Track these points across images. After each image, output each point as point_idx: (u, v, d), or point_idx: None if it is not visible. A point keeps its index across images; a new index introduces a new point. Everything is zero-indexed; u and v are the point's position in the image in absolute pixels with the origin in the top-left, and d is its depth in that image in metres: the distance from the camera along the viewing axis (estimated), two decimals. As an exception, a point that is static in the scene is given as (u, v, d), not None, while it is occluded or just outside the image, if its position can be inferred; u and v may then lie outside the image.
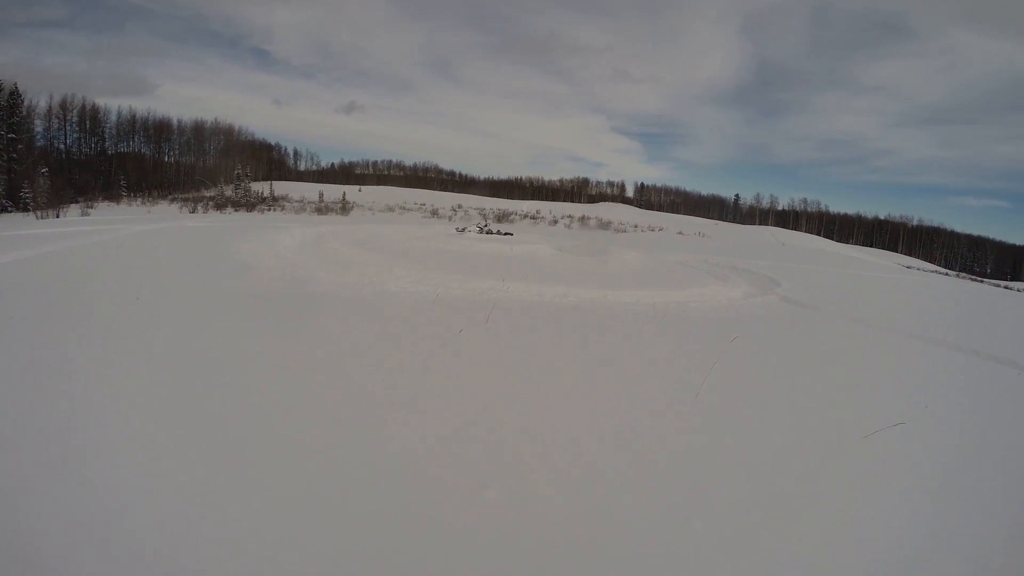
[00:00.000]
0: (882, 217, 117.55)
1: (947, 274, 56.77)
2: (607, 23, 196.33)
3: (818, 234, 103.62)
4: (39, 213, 31.52)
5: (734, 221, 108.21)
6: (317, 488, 2.90)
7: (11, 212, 37.76)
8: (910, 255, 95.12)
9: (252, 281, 8.73)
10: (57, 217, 29.74)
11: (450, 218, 52.32)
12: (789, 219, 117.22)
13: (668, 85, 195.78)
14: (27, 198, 38.69)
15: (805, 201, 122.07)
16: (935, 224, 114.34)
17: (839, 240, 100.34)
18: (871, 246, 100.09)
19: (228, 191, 62.17)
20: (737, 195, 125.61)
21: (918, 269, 60.08)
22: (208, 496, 2.75)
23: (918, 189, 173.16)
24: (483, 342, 6.09)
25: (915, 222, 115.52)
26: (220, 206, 48.96)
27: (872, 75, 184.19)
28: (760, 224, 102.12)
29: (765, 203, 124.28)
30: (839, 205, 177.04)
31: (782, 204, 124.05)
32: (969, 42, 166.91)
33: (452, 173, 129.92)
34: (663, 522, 2.86)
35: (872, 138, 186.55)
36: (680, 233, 57.06)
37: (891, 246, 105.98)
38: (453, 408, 4.10)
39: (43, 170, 42.94)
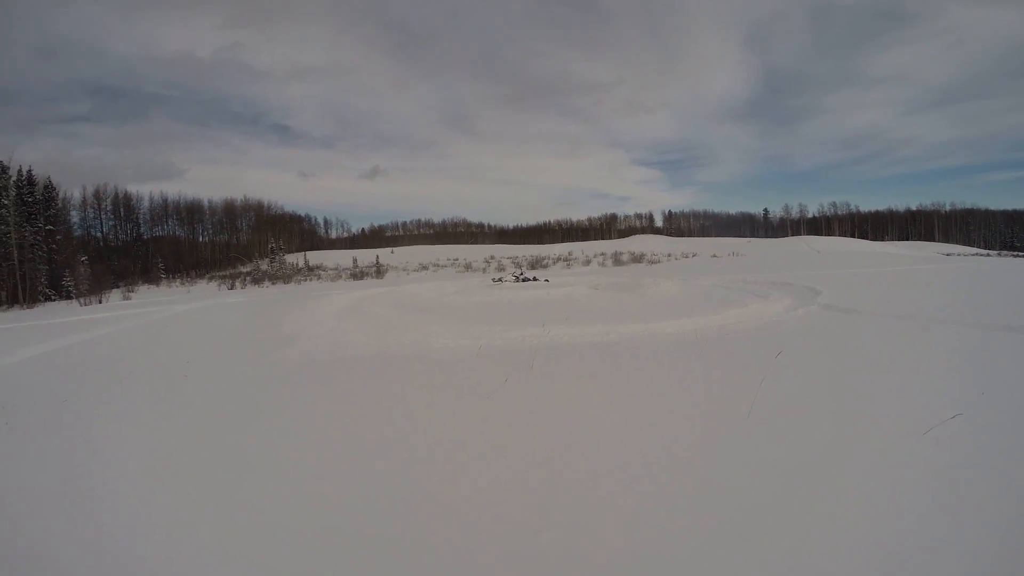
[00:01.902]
0: (914, 208, 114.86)
1: (988, 254, 54.81)
2: (614, 57, 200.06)
3: (852, 236, 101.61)
4: (82, 300, 32.74)
5: (766, 236, 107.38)
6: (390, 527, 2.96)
7: (55, 300, 39.52)
8: (948, 242, 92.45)
9: (295, 351, 8.90)
10: (100, 303, 30.85)
11: (484, 270, 52.64)
12: (821, 225, 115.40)
13: (681, 109, 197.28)
14: (69, 286, 40.42)
15: (834, 204, 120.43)
16: (968, 206, 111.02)
17: (874, 238, 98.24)
18: (907, 239, 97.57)
19: (264, 265, 63.94)
20: (766, 209, 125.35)
21: (958, 255, 58.20)
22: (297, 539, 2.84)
23: (945, 173, 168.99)
24: (530, 388, 6.05)
25: (947, 207, 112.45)
26: (257, 280, 50.27)
27: (880, 66, 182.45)
28: (792, 235, 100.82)
29: (795, 213, 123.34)
30: (869, 203, 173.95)
31: (811, 211, 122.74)
32: (970, 16, 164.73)
33: (481, 225, 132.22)
34: (723, 543, 2.80)
35: (890, 129, 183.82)
36: (714, 256, 56.42)
37: (927, 236, 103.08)
38: (505, 459, 4.09)
39: (83, 258, 45.09)
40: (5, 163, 42.23)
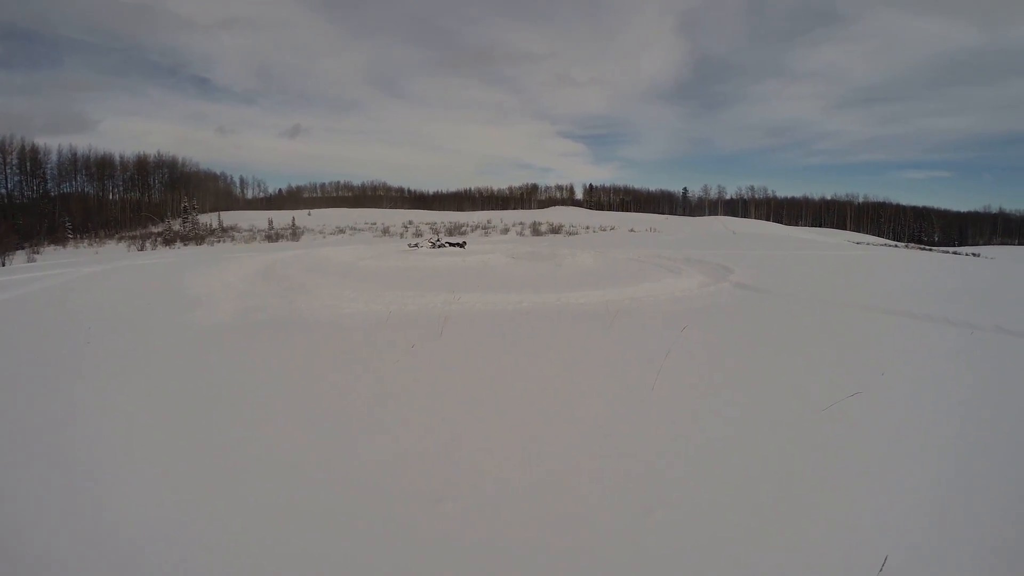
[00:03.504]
0: (828, 197, 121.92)
1: (895, 246, 58.85)
2: (547, 29, 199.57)
3: (767, 219, 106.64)
4: None
5: (684, 214, 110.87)
6: (294, 495, 3.01)
7: None
8: (859, 231, 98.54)
9: (203, 314, 8.50)
10: (3, 265, 28.78)
11: (402, 235, 52.22)
12: (738, 207, 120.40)
13: (610, 87, 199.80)
14: None
15: (752, 188, 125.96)
16: (880, 199, 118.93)
17: (788, 223, 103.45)
18: (820, 226, 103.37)
19: (176, 225, 60.67)
20: (685, 188, 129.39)
21: (867, 244, 62.25)
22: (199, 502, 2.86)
23: (862, 167, 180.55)
24: (437, 355, 6.06)
25: (861, 199, 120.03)
26: (169, 241, 47.93)
27: (808, 62, 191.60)
28: (710, 215, 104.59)
29: (713, 194, 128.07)
30: (786, 189, 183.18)
31: (730, 194, 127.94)
32: (898, 22, 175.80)
33: (401, 190, 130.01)
34: (625, 516, 2.89)
35: (813, 122, 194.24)
36: (632, 231, 57.84)
37: (840, 224, 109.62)
38: (408, 425, 4.07)
39: None
40: None
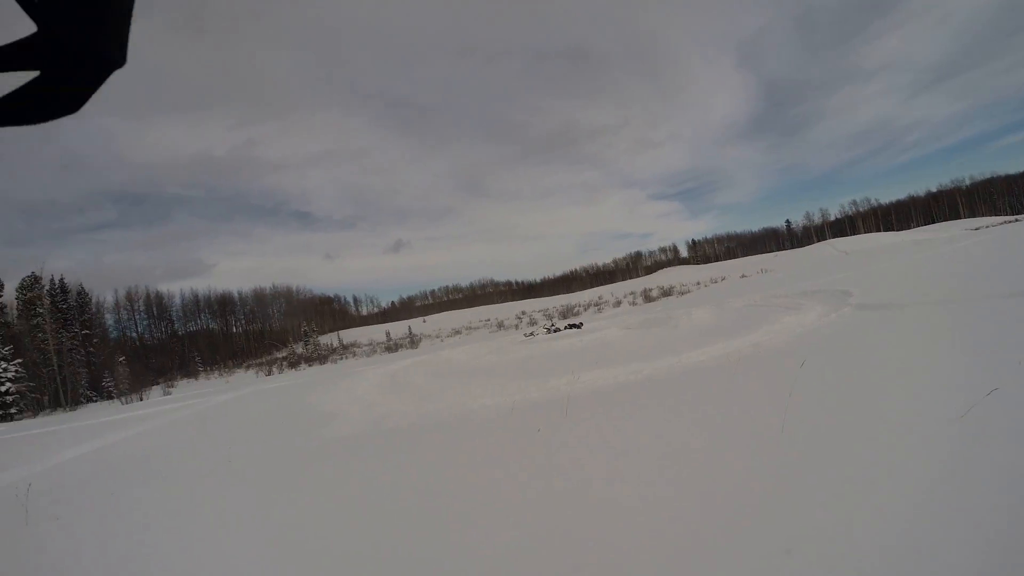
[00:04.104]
0: (934, 190, 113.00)
1: (1017, 219, 53.09)
2: (614, 100, 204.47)
3: (878, 230, 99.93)
4: (123, 399, 33.50)
5: (792, 247, 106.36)
6: None
7: (97, 401, 40.55)
8: (974, 216, 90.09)
9: (338, 426, 8.98)
10: (141, 400, 31.41)
11: (516, 327, 52.45)
12: (845, 226, 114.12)
13: (688, 139, 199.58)
14: (109, 387, 41.54)
15: (855, 203, 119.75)
16: (987, 176, 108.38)
17: (900, 228, 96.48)
18: (933, 222, 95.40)
19: (299, 349, 64.85)
20: (788, 221, 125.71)
21: (986, 227, 56.71)
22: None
23: (957, 148, 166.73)
24: (564, 434, 6.03)
25: (967, 182, 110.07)
26: (294, 364, 50.76)
27: (872, 57, 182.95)
28: (818, 241, 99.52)
29: (817, 219, 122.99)
30: (889, 194, 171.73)
31: (833, 214, 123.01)
32: None
33: (509, 283, 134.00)
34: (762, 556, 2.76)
35: (895, 117, 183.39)
36: (743, 276, 55.91)
37: (953, 214, 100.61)
38: (541, 506, 4.06)
39: (121, 359, 46.33)
40: (37, 274, 44.45)
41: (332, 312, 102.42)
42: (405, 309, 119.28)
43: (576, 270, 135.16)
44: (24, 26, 0.43)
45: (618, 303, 57.62)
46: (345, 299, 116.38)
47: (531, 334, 26.32)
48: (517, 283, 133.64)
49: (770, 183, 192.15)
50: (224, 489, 6.14)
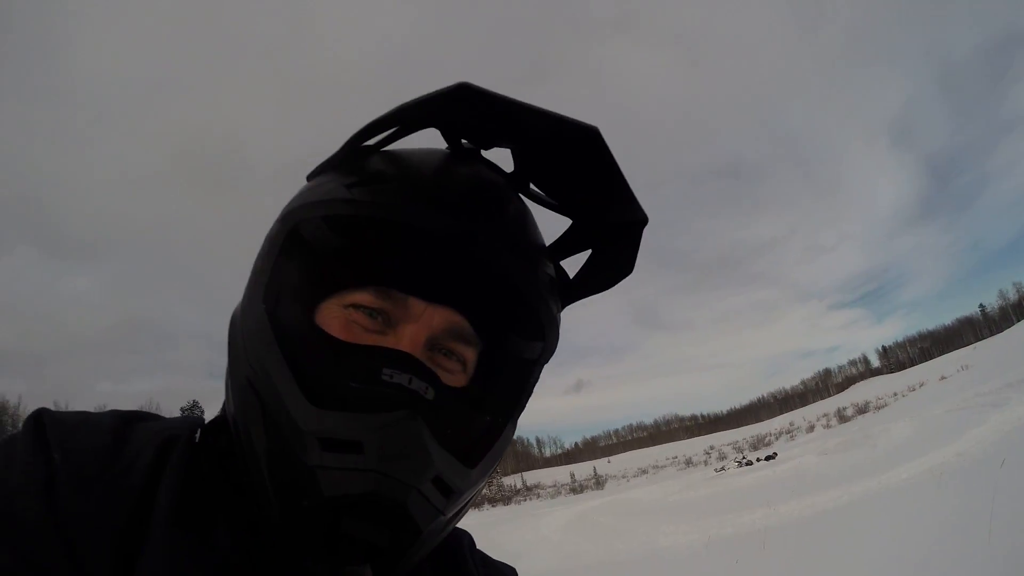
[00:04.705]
0: None
1: None
2: (775, 210, 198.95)
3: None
4: None
5: (990, 333, 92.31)
6: None
7: None
8: None
9: (526, 565, 9.01)
10: None
11: (705, 462, 50.79)
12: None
13: (859, 235, 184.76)
14: None
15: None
16: None
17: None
18: None
19: (483, 490, 66.11)
20: (981, 305, 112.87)
21: None
22: None
23: None
24: (763, 568, 5.79)
25: None
26: (477, 505, 51.44)
27: (1021, 98, 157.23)
28: (1018, 320, 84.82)
29: (1012, 295, 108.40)
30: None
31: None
32: None
33: (694, 417, 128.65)
34: None
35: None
36: (943, 378, 49.76)
37: None
38: None
39: None
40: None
41: (514, 454, 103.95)
42: (588, 449, 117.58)
43: (763, 396, 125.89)
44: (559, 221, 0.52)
45: (811, 427, 54.84)
46: (528, 440, 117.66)
47: (722, 468, 24.72)
48: (702, 416, 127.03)
49: (954, 266, 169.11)
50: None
